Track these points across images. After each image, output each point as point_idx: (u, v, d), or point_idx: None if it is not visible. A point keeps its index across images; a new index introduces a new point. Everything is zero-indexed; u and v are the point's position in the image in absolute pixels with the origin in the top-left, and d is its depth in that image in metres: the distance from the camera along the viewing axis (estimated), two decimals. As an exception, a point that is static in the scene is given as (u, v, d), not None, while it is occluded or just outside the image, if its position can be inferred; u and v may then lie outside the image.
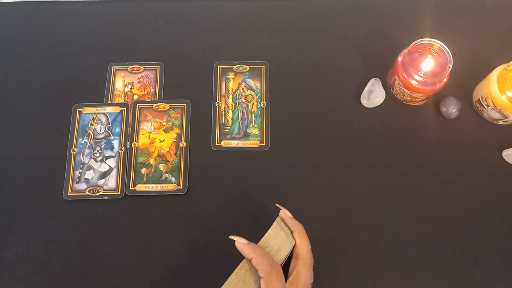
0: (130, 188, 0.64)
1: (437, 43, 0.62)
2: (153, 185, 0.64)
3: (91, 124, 0.68)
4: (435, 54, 0.63)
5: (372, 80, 0.68)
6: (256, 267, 0.46)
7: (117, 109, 0.68)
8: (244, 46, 0.73)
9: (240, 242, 0.47)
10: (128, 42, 0.73)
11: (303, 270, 0.48)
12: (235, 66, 0.71)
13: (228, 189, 0.64)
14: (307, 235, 0.51)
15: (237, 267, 0.48)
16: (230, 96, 0.70)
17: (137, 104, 0.69)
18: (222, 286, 0.48)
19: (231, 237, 0.48)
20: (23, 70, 0.72)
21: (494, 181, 0.64)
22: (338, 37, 0.73)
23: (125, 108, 0.68)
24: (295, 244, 0.50)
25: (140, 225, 0.63)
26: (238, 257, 0.61)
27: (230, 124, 0.68)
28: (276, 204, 0.53)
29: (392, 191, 0.64)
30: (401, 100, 0.67)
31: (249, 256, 0.46)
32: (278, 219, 0.51)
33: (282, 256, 0.49)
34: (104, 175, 0.65)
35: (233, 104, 0.69)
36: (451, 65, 0.60)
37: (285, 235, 0.50)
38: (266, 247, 0.49)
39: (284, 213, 0.52)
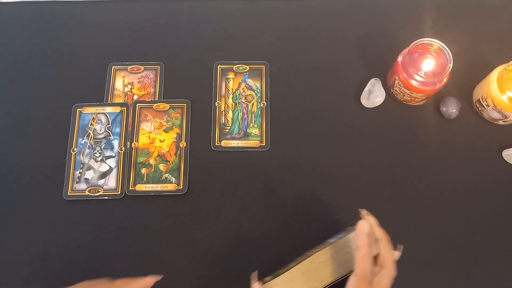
0: (130, 188, 0.64)
1: (437, 43, 0.62)
2: (153, 185, 0.64)
3: (91, 124, 0.68)
4: (435, 54, 0.63)
5: (372, 80, 0.68)
6: (357, 263, 0.44)
7: (117, 109, 0.68)
8: (244, 46, 0.73)
9: (364, 227, 0.46)
10: (128, 42, 0.73)
11: (386, 280, 0.46)
12: (235, 66, 0.71)
13: (228, 189, 0.64)
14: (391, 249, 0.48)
15: (312, 255, 0.47)
16: (230, 96, 0.70)
17: (137, 104, 0.69)
18: (291, 270, 0.47)
19: (363, 213, 0.48)
20: (23, 70, 0.72)
21: (494, 181, 0.64)
22: (338, 37, 0.73)
23: (125, 108, 0.68)
24: (378, 253, 0.48)
25: (140, 225, 0.63)
26: (237, 257, 0.61)
27: (230, 124, 0.68)
28: (360, 210, 0.50)
29: (392, 191, 0.64)
30: (401, 100, 0.67)
31: (360, 246, 0.45)
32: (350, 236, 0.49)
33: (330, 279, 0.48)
34: (104, 175, 0.65)
35: (233, 104, 0.69)
36: (451, 65, 0.60)
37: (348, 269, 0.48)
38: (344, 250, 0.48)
39: (372, 220, 0.49)
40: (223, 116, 0.68)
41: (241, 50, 0.73)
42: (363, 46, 0.72)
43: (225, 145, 0.67)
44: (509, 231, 0.62)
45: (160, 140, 0.67)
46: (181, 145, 0.67)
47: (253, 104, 0.69)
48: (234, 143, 0.67)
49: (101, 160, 0.66)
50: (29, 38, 0.74)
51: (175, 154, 0.66)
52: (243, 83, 0.70)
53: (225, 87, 0.70)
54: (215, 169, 0.65)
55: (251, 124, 0.68)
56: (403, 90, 0.64)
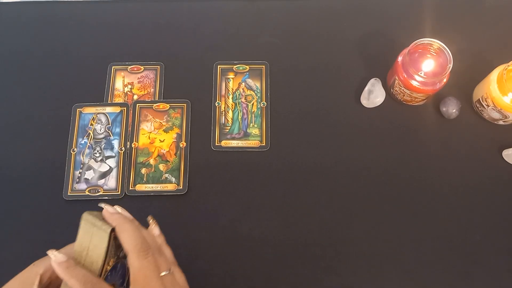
0: (130, 188, 0.64)
1: (437, 43, 0.62)
2: (153, 185, 0.64)
3: (91, 124, 0.68)
4: (435, 54, 0.63)
5: (372, 80, 0.68)
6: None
7: (117, 109, 0.68)
8: (244, 46, 0.73)
9: (56, 261, 0.39)
10: (128, 42, 0.73)
11: (136, 262, 0.39)
12: (235, 66, 0.71)
13: (228, 189, 0.64)
14: (133, 224, 0.42)
15: None
16: (230, 96, 0.70)
17: (137, 104, 0.69)
18: None
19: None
20: (23, 70, 0.72)
21: (494, 181, 0.64)
22: (338, 37, 0.73)
23: (125, 108, 0.68)
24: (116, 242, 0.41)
25: (140, 225, 0.63)
26: (237, 257, 0.61)
27: (230, 124, 0.68)
28: (99, 204, 0.44)
29: (392, 191, 0.64)
30: (401, 100, 0.67)
31: (63, 277, 0.38)
32: (84, 215, 0.41)
33: (101, 260, 0.40)
34: (104, 175, 0.65)
35: (233, 104, 0.69)
36: (451, 65, 0.60)
37: (105, 235, 0.41)
38: (81, 256, 0.40)
39: (106, 209, 0.42)
40: (223, 116, 0.68)
41: (241, 50, 0.73)
42: (363, 46, 0.72)
43: (225, 145, 0.67)
44: (509, 231, 0.62)
45: (160, 140, 0.67)
46: (181, 145, 0.67)
47: (253, 104, 0.69)
48: (234, 143, 0.67)
49: (101, 160, 0.66)
50: (29, 38, 0.74)
51: (175, 154, 0.66)
52: (243, 83, 0.70)
53: (225, 87, 0.70)
54: (215, 169, 0.65)
55: (251, 124, 0.68)
56: (403, 90, 0.64)
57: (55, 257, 0.39)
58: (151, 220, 0.48)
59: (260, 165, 0.66)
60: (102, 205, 0.43)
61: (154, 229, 0.47)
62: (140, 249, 0.40)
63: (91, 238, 0.41)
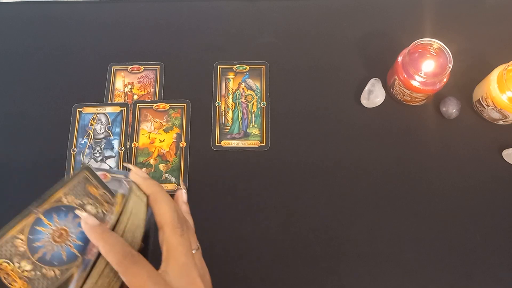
0: (130, 188, 0.64)
1: (437, 43, 0.62)
2: (153, 185, 0.64)
3: (91, 124, 0.68)
4: (435, 54, 0.63)
5: (372, 80, 0.68)
6: (106, 258, 0.34)
7: (117, 109, 0.68)
8: (244, 46, 0.73)
9: (87, 223, 0.35)
10: (128, 42, 0.73)
11: (173, 238, 0.36)
12: (235, 66, 0.71)
13: (228, 189, 0.64)
14: (168, 195, 0.38)
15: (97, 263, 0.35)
16: (230, 96, 0.70)
17: (137, 104, 0.69)
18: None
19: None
20: (23, 70, 0.72)
21: (494, 181, 0.64)
22: (338, 37, 0.73)
23: (125, 108, 0.68)
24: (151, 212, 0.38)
25: (140, 225, 0.62)
26: (237, 257, 0.61)
27: (230, 124, 0.68)
28: (123, 164, 0.41)
29: (392, 191, 0.64)
30: (401, 100, 0.67)
31: (96, 244, 0.34)
32: (133, 186, 0.38)
33: (139, 233, 0.37)
34: (104, 175, 0.65)
35: (233, 104, 0.69)
36: (451, 65, 0.60)
37: (143, 205, 0.38)
38: (120, 227, 0.36)
39: (136, 173, 0.38)
40: (223, 116, 0.68)
41: (241, 50, 0.73)
42: (363, 46, 0.72)
43: (225, 145, 0.67)
44: (509, 231, 0.62)
45: (160, 140, 0.67)
46: (181, 145, 0.67)
47: (253, 104, 0.69)
48: (234, 143, 0.67)
49: (101, 160, 0.66)
50: (29, 38, 0.74)
51: (175, 154, 0.66)
52: (243, 83, 0.70)
53: (225, 87, 0.70)
54: (215, 169, 0.65)
55: (251, 124, 0.68)
56: (403, 90, 0.64)
57: (86, 219, 0.35)
58: (181, 183, 0.44)
59: (260, 165, 0.66)
60: (131, 166, 0.39)
61: (183, 195, 0.43)
62: (177, 224, 0.37)
63: (134, 215, 0.36)
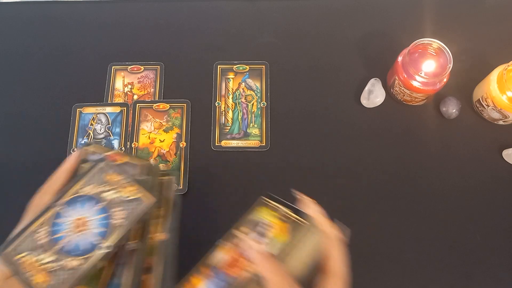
0: (130, 188, 0.64)
1: (437, 43, 0.62)
2: (153, 185, 0.64)
3: (91, 124, 0.68)
4: (435, 54, 0.63)
5: (372, 80, 0.68)
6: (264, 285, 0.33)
7: (117, 109, 0.68)
8: (244, 46, 0.73)
9: (258, 251, 0.34)
10: (128, 42, 0.73)
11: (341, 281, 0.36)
12: (235, 66, 0.71)
13: (228, 189, 0.64)
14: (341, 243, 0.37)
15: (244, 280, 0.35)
16: (230, 96, 0.70)
17: (137, 104, 0.69)
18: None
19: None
20: (23, 70, 0.72)
21: (494, 181, 0.64)
22: (338, 37, 0.73)
23: (125, 108, 0.68)
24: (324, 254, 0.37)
25: (140, 225, 0.62)
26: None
27: (230, 124, 0.68)
28: (294, 191, 0.39)
29: (392, 191, 0.64)
30: (401, 100, 0.67)
31: (262, 273, 0.33)
32: (313, 221, 0.37)
33: (302, 269, 0.36)
34: (104, 175, 0.65)
35: (233, 104, 0.69)
36: (451, 65, 0.60)
37: (315, 242, 0.37)
38: (286, 255, 0.35)
39: (315, 210, 0.38)
40: (223, 116, 0.68)
41: (241, 50, 0.72)
42: (363, 46, 0.72)
43: (225, 145, 0.67)
44: (509, 231, 0.62)
45: (160, 140, 0.67)
46: (181, 145, 0.67)
47: (253, 104, 0.69)
48: (234, 143, 0.67)
49: (101, 160, 0.66)
50: (29, 38, 0.74)
51: (175, 154, 0.66)
52: (243, 83, 0.70)
53: (225, 87, 0.70)
54: (215, 169, 0.65)
55: (251, 124, 0.68)
56: (403, 90, 0.64)
57: (253, 245, 0.34)
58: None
59: (260, 165, 0.66)
60: (310, 201, 0.39)
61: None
62: (346, 280, 0.36)
63: (302, 250, 0.36)
